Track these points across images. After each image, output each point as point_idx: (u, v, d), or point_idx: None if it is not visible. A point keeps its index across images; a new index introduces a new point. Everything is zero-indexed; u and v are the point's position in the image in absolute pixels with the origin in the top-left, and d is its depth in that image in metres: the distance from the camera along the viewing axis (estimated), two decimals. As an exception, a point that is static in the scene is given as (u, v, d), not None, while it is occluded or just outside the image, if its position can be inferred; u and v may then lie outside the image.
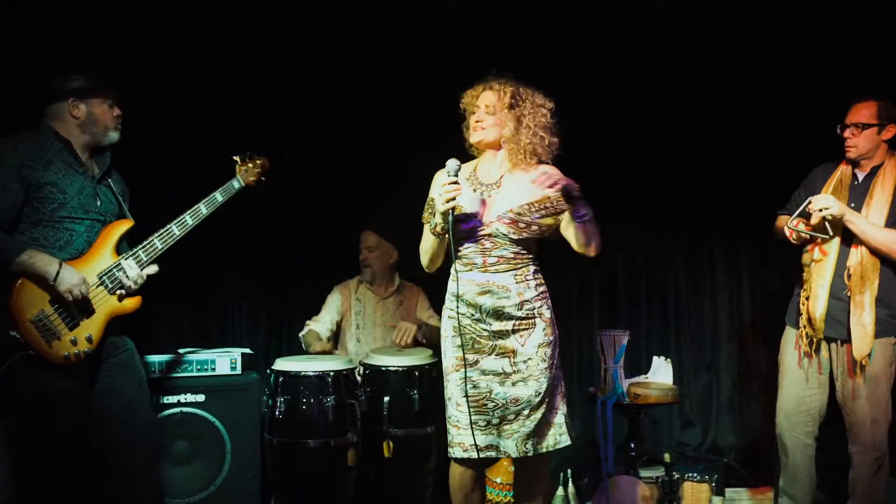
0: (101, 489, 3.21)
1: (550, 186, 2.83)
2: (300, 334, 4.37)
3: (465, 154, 3.12)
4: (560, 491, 4.20)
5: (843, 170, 3.65)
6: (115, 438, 3.12)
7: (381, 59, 4.47)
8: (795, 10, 4.38)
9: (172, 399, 3.78)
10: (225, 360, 3.93)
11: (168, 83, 4.19)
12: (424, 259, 3.10)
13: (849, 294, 3.48)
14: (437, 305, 4.30)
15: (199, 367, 3.89)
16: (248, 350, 4.16)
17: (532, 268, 3.01)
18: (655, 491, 4.04)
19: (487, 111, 2.99)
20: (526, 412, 2.95)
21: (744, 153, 4.73)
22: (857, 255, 3.49)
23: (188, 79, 4.27)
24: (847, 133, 3.55)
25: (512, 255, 2.96)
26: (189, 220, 3.22)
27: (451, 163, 2.88)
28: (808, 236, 3.51)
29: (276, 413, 3.73)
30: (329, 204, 4.56)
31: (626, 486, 3.87)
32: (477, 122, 3.01)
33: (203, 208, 3.27)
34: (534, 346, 2.97)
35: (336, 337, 4.42)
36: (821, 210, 3.41)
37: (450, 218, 2.83)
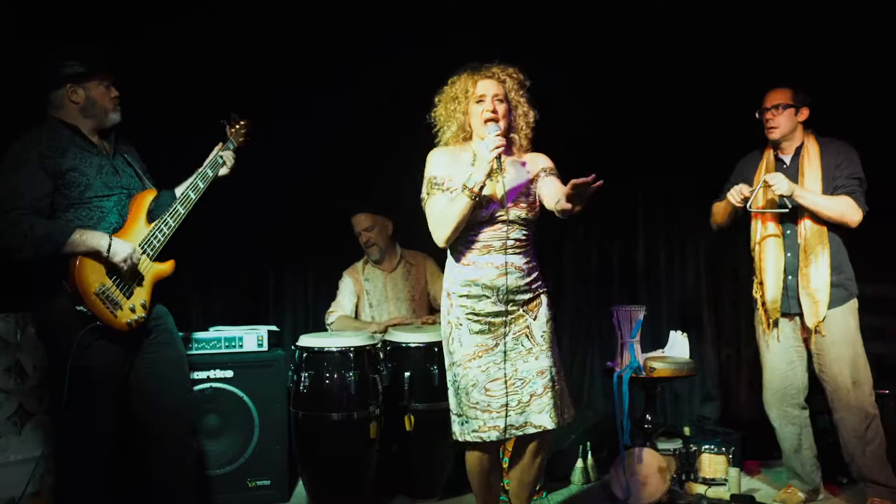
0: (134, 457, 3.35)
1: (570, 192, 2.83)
2: (328, 323, 4.47)
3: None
4: (580, 463, 4.30)
5: (768, 156, 3.83)
6: (145, 409, 3.24)
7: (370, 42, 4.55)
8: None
9: (202, 375, 3.92)
10: (252, 337, 4.06)
11: (160, 64, 4.26)
12: (447, 231, 2.98)
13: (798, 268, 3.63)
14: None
15: (227, 343, 4.02)
16: (274, 327, 4.29)
17: (533, 248, 3.15)
18: (672, 462, 4.11)
19: (497, 99, 3.05)
20: (551, 383, 3.05)
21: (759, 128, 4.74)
22: (802, 229, 3.66)
23: (179, 61, 4.34)
24: (768, 115, 3.76)
25: (524, 237, 3.09)
26: (200, 183, 3.39)
27: (493, 126, 3.00)
28: (772, 214, 3.71)
29: (301, 387, 3.85)
30: (348, 181, 4.67)
31: (643, 458, 3.93)
32: (492, 112, 3.03)
33: (209, 171, 3.43)
34: (543, 319, 3.10)
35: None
36: (775, 188, 3.58)
37: (496, 164, 2.92)
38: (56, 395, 3.04)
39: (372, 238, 4.46)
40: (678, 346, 4.21)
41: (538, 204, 3.11)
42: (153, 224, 3.23)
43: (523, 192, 3.07)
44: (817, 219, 3.64)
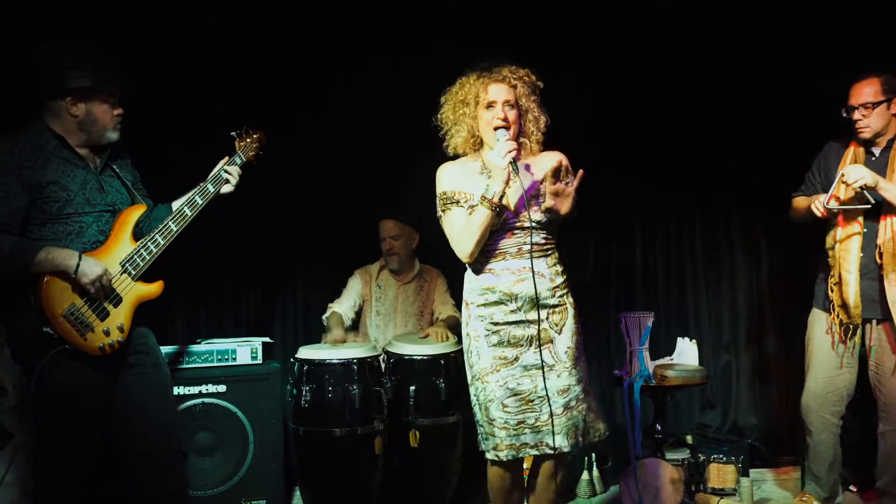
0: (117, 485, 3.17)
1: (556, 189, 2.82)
2: (323, 316, 4.32)
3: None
4: (585, 475, 4.18)
5: (855, 149, 3.61)
6: (128, 434, 3.05)
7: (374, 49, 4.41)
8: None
9: (193, 390, 3.73)
10: (246, 350, 3.88)
11: (172, 72, 4.11)
12: (471, 244, 2.87)
13: (882, 273, 3.44)
14: (454, 288, 4.27)
15: (219, 357, 3.83)
16: (268, 339, 4.10)
17: (557, 254, 3.01)
18: (682, 473, 4.01)
19: (508, 104, 2.93)
20: (573, 403, 2.90)
21: (760, 134, 4.70)
22: (886, 230, 3.45)
23: (190, 66, 4.19)
24: (857, 115, 3.51)
25: (543, 241, 2.95)
26: (199, 199, 3.16)
27: (503, 132, 2.87)
28: (847, 209, 3.47)
29: (302, 402, 3.68)
30: (343, 192, 4.51)
31: (654, 469, 3.83)
32: (503, 119, 2.91)
33: (210, 186, 3.20)
34: (569, 334, 2.95)
35: (356, 323, 4.36)
36: (855, 181, 3.36)
37: (513, 169, 2.80)
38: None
39: (396, 247, 4.31)
40: (687, 353, 4.13)
41: (553, 207, 2.94)
42: (139, 242, 3.02)
43: (536, 194, 2.94)
44: None
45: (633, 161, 4.78)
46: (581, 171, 2.82)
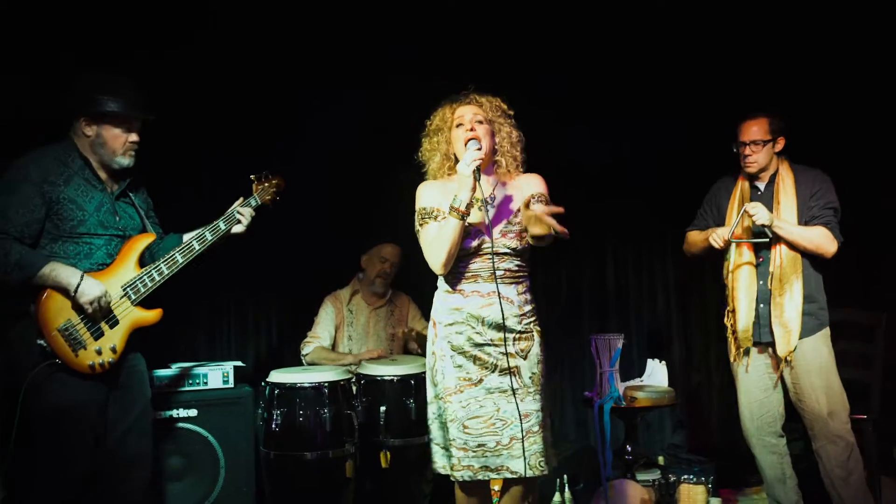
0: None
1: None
2: (303, 354, 4.31)
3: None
4: (557, 497, 4.18)
5: (742, 184, 3.83)
6: (106, 455, 3.10)
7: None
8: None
9: (164, 415, 3.71)
10: (217, 374, 3.88)
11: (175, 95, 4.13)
12: (443, 255, 2.86)
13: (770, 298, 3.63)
14: (424, 311, 4.29)
15: (190, 381, 3.83)
16: (239, 363, 4.10)
17: (528, 282, 3.04)
18: (653, 494, 4.04)
19: (476, 120, 2.97)
20: (535, 428, 2.90)
21: (727, 156, 4.77)
22: (776, 257, 3.65)
23: (189, 89, 4.22)
24: (747, 150, 3.72)
25: (516, 268, 2.97)
26: (208, 235, 3.25)
27: (473, 142, 2.91)
28: (749, 244, 3.69)
29: (273, 426, 3.68)
30: (315, 215, 4.52)
31: (624, 490, 3.86)
32: (471, 131, 2.93)
33: (221, 224, 3.28)
34: (534, 361, 2.96)
35: (332, 349, 4.37)
36: (757, 218, 3.57)
37: (477, 176, 2.83)
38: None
39: (392, 273, 4.38)
40: (657, 374, 4.17)
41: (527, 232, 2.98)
42: (144, 269, 3.12)
43: (511, 220, 2.97)
44: (793, 247, 3.63)
45: (604, 184, 4.85)
46: (559, 209, 2.78)
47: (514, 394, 2.89)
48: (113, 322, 3.05)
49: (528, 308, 2.99)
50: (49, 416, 2.97)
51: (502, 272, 2.92)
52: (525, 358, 2.94)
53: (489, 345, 2.91)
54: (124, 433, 3.15)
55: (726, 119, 4.70)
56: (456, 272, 2.96)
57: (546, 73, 4.61)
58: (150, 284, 3.12)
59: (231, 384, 3.88)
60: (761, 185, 3.80)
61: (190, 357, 4.26)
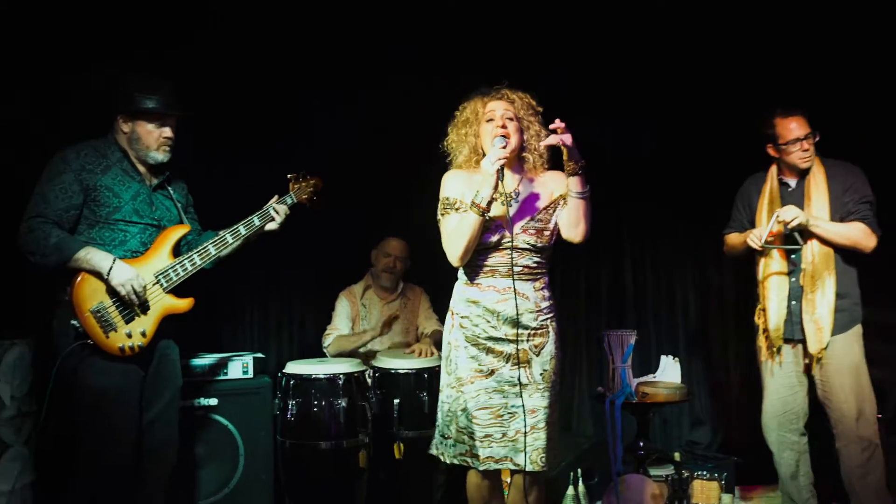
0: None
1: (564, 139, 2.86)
2: (325, 346, 4.39)
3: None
4: (570, 490, 4.22)
5: (771, 183, 3.77)
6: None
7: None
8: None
9: (186, 403, 3.79)
10: (237, 364, 3.99)
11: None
12: (460, 248, 2.92)
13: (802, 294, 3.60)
14: (436, 305, 4.36)
15: (211, 371, 3.94)
16: (259, 354, 4.21)
17: (547, 279, 3.07)
18: (665, 489, 4.06)
19: (507, 117, 3.01)
20: (541, 424, 2.96)
21: (751, 156, 4.75)
22: (809, 254, 3.60)
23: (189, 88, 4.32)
24: (805, 145, 3.63)
25: (535, 265, 3.01)
26: (242, 229, 3.38)
27: (499, 139, 2.95)
28: (782, 250, 3.63)
29: (288, 415, 3.78)
30: (335, 208, 4.59)
31: (636, 485, 3.89)
32: (502, 128, 2.98)
33: (256, 220, 3.40)
34: (548, 357, 3.01)
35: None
36: (791, 221, 3.51)
37: (500, 175, 2.87)
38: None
39: (398, 267, 4.45)
40: (670, 370, 4.19)
41: (553, 232, 3.04)
42: (177, 258, 3.25)
43: (534, 217, 3.01)
44: (826, 243, 3.57)
45: (622, 183, 4.87)
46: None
47: (521, 389, 2.95)
48: (145, 307, 3.18)
49: (544, 305, 3.02)
50: (91, 399, 3.12)
51: (520, 268, 2.97)
52: (538, 354, 2.99)
53: (503, 339, 2.97)
54: (153, 420, 3.28)
55: (741, 117, 4.72)
56: (475, 265, 3.01)
57: (550, 69, 4.62)
58: (182, 273, 3.25)
59: (251, 374, 4.00)
60: (792, 182, 3.74)
61: (214, 348, 4.38)
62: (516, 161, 3.08)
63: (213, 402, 3.87)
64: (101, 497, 3.15)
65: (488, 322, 2.98)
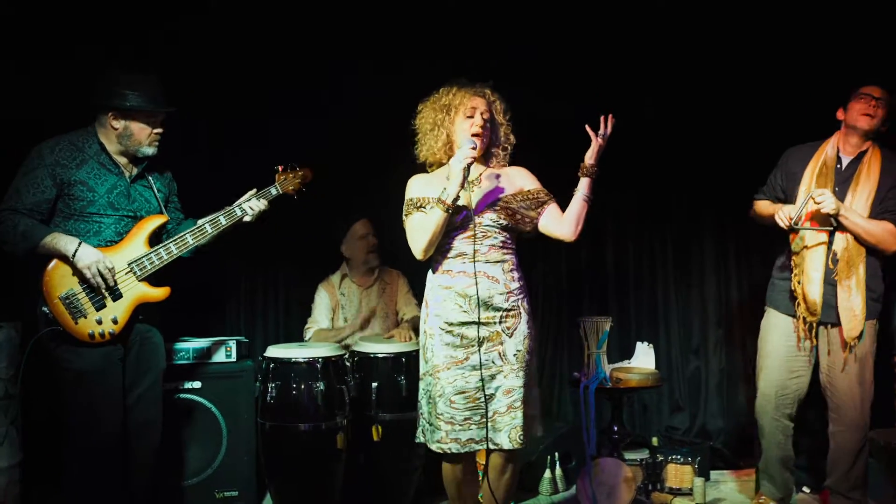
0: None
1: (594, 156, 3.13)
2: (305, 339, 4.46)
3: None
4: (547, 473, 4.32)
5: (828, 153, 3.70)
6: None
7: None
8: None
9: (170, 385, 3.89)
10: (221, 349, 4.08)
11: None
12: (423, 242, 3.04)
13: (836, 278, 3.58)
14: (416, 290, 4.43)
15: (195, 354, 4.03)
16: (243, 338, 4.30)
17: (515, 260, 3.17)
18: (639, 473, 4.15)
19: (485, 117, 3.13)
20: (517, 404, 3.05)
21: (732, 142, 4.81)
22: (843, 240, 3.58)
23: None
24: (874, 104, 3.58)
25: (500, 244, 3.10)
26: (223, 219, 3.42)
27: (471, 141, 3.06)
28: (814, 231, 3.59)
29: (268, 398, 3.86)
30: (316, 193, 4.67)
31: (610, 468, 3.96)
32: (481, 128, 3.11)
33: (237, 210, 3.44)
34: (520, 338, 3.10)
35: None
36: (822, 206, 3.49)
37: (466, 173, 2.98)
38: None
39: (375, 241, 4.48)
40: (644, 357, 4.26)
41: (520, 218, 3.13)
42: (153, 247, 3.30)
43: (499, 198, 3.12)
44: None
45: (607, 167, 4.90)
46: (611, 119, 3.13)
47: (498, 370, 3.05)
48: (116, 295, 3.23)
49: (514, 286, 3.11)
50: (72, 378, 3.20)
51: (486, 248, 3.07)
52: (511, 336, 3.08)
53: (475, 323, 3.05)
54: (136, 401, 3.37)
55: (725, 102, 4.78)
56: (443, 250, 3.11)
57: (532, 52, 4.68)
58: (156, 262, 3.29)
59: (234, 358, 4.08)
60: (846, 160, 3.67)
61: (201, 334, 4.46)
62: (484, 152, 3.20)
63: (197, 384, 3.97)
64: (89, 476, 3.23)
65: (461, 307, 3.06)
